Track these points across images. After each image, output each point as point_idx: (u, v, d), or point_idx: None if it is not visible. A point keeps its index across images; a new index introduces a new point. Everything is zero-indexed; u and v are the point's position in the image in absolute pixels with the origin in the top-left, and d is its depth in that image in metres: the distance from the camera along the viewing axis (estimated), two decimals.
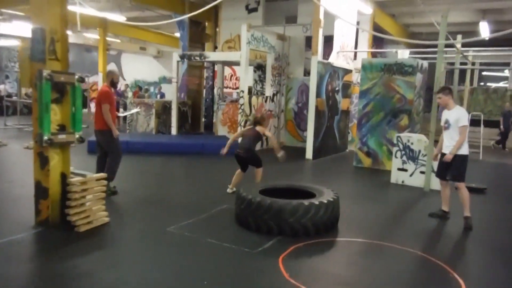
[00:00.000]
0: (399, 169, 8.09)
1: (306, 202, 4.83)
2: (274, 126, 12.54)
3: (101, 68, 18.95)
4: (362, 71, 9.71)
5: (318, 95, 10.34)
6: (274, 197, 4.99)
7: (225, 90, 16.09)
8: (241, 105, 11.08)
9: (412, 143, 7.95)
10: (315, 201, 4.87)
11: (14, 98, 19.01)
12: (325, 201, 4.89)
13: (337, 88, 11.33)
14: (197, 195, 6.64)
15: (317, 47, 10.10)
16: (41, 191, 4.62)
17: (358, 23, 13.10)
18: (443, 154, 5.67)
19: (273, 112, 12.40)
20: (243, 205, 4.97)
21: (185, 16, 11.10)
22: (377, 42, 14.96)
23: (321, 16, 10.01)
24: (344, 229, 5.18)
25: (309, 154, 10.43)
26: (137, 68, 25.09)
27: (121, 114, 15.01)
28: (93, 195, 4.79)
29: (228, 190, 6.63)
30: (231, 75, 18.65)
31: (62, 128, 4.64)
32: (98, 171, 6.08)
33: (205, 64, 15.31)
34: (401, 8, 14.51)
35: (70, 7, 13.05)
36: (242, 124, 11.05)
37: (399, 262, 4.33)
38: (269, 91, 12.21)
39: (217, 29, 15.26)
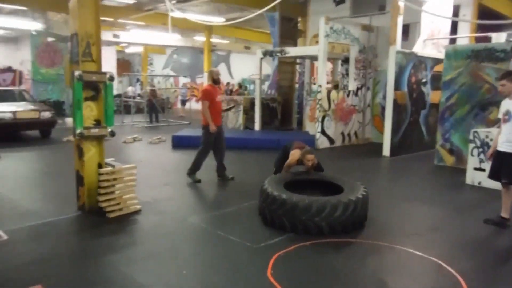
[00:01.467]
0: (475, 169, 7.11)
1: (322, 199, 4.60)
2: (358, 121, 11.99)
3: (206, 68, 20.16)
4: (445, 59, 8.74)
5: (397, 87, 9.60)
6: (300, 191, 4.91)
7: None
8: (319, 100, 10.83)
9: (491, 139, 6.91)
10: (334, 199, 4.61)
11: (138, 98, 21.30)
12: (346, 200, 4.59)
13: (423, 80, 10.35)
14: (241, 188, 6.74)
15: (395, 36, 9.37)
16: (79, 179, 5.21)
17: (458, 7, 11.81)
18: (499, 152, 4.87)
19: (356, 107, 11.86)
20: (262, 199, 4.94)
21: (259, 12, 11.13)
22: (485, 26, 13.20)
23: (401, 2, 9.25)
24: (370, 231, 4.78)
25: (386, 151, 9.76)
26: (244, 67, 26.06)
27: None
28: (124, 184, 5.23)
29: None
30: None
31: (98, 123, 5.16)
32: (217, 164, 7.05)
33: (298, 60, 15.28)
34: None
35: (172, 14, 14.25)
36: (320, 120, 10.81)
37: (410, 270, 3.87)
38: (352, 85, 11.71)
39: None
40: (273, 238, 4.46)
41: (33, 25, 16.54)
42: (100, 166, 5.22)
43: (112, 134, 5.18)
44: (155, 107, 17.71)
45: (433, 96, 10.66)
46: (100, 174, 5.10)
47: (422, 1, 10.10)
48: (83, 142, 5.08)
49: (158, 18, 17.14)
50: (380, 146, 10.14)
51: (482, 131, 7.13)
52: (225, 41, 23.75)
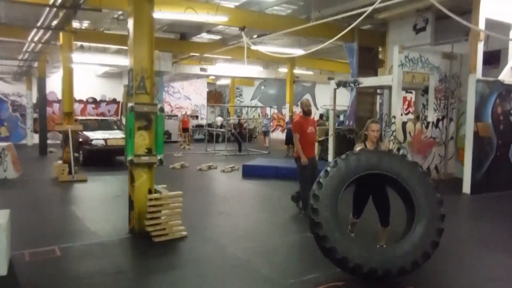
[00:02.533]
0: None
1: (386, 261, 3.89)
2: (439, 155, 11.14)
3: (288, 99, 20.43)
4: None
5: (479, 119, 8.80)
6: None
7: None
8: (393, 131, 10.34)
9: None
10: (400, 252, 3.93)
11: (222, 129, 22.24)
12: (415, 252, 3.91)
13: None
14: (296, 220, 6.62)
15: (475, 64, 8.67)
16: (130, 204, 5.56)
17: None
18: None
19: (437, 140, 11.06)
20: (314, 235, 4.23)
21: (329, 42, 11.07)
22: None
23: (482, 26, 8.58)
24: (420, 276, 4.30)
25: (466, 187, 8.90)
26: (329, 98, 25.86)
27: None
28: (170, 211, 5.45)
29: None
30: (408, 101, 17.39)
31: (149, 151, 5.50)
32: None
33: (378, 90, 14.81)
34: None
35: (255, 47, 14.84)
36: (394, 151, 10.27)
37: None
38: (431, 116, 10.99)
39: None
40: (306, 275, 4.29)
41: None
42: (150, 192, 5.52)
43: (161, 162, 5.46)
44: (241, 137, 18.48)
45: None
46: (148, 200, 5.37)
47: (511, 25, 9.29)
48: (135, 169, 5.44)
49: (241, 51, 17.94)
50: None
51: None
52: (309, 73, 23.93)
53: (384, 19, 13.52)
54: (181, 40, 16.89)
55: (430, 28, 12.22)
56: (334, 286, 4.05)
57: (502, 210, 7.74)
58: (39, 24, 8.77)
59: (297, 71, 22.35)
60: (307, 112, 6.91)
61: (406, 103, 17.26)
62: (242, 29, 12.84)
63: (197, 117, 26.47)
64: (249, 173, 11.09)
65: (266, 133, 20.73)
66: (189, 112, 26.09)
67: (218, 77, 27.29)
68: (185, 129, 21.00)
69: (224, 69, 20.37)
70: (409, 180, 4.19)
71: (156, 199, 5.38)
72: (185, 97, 26.72)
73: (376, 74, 14.91)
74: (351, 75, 14.41)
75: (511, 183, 9.37)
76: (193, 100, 26.92)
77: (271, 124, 28.35)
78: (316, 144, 13.72)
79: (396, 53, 10.19)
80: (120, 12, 12.55)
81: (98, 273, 4.34)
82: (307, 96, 27.21)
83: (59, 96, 15.85)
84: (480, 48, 8.69)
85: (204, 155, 16.79)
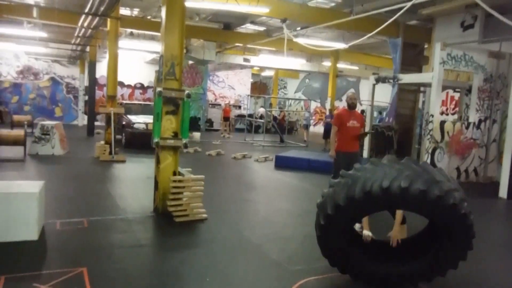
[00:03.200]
0: None
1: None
2: (480, 157, 10.75)
3: (330, 93, 20.27)
4: None
5: None
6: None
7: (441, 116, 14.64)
8: (430, 130, 10.09)
9: None
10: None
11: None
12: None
13: None
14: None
15: None
16: (156, 184, 5.86)
17: None
18: None
19: (478, 141, 10.67)
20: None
21: (368, 35, 10.88)
22: None
23: None
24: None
25: (503, 191, 8.59)
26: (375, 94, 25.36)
27: None
28: (191, 193, 5.70)
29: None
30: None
31: (175, 135, 5.76)
32: None
33: (421, 88, 14.41)
34: None
35: (298, 39, 14.87)
36: (430, 151, 10.05)
37: None
38: (473, 117, 10.61)
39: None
40: (313, 264, 4.38)
41: None
42: (174, 174, 5.80)
43: (185, 146, 5.71)
44: (281, 128, 18.65)
45: None
46: (171, 181, 5.65)
47: None
48: (161, 151, 5.72)
49: (284, 43, 17.98)
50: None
51: None
52: (354, 68, 23.55)
53: (430, 15, 13.09)
54: (226, 30, 17.17)
55: (478, 25, 11.67)
56: (337, 275, 4.12)
57: None
58: (86, 10, 9.28)
59: (341, 65, 22.08)
60: (351, 106, 6.59)
61: (454, 102, 16.65)
62: (283, 20, 12.91)
63: (239, 107, 26.82)
64: (282, 164, 11.23)
65: (306, 127, 20.73)
66: (232, 102, 26.48)
67: (262, 69, 27.45)
68: (226, 118, 21.38)
69: (267, 61, 20.48)
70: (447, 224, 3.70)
71: (179, 181, 5.65)
72: (229, 86, 27.10)
73: (420, 71, 14.47)
74: (394, 71, 14.08)
75: None
76: (237, 90, 27.26)
77: (313, 117, 28.24)
78: None
79: (438, 50, 9.92)
80: None
81: (118, 245, 4.66)
82: (351, 91, 26.84)
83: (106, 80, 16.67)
84: None
85: (242, 144, 17.05)
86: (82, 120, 21.08)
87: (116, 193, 7.07)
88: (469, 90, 11.60)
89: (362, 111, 21.68)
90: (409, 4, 8.05)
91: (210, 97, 25.65)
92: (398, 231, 4.16)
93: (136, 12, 14.96)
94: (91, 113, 16.45)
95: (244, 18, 15.95)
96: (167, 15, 5.59)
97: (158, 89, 5.53)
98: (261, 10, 12.05)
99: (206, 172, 6.43)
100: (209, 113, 24.13)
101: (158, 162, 5.80)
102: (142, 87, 24.04)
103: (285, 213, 6.67)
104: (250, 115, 22.11)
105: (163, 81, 5.64)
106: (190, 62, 20.69)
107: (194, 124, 21.47)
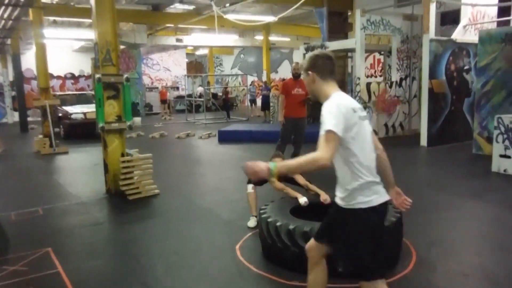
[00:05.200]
0: (501, 156, 6.87)
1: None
2: (404, 112, 11.80)
3: (265, 66, 20.79)
4: (479, 44, 8.43)
5: (433, 76, 9.39)
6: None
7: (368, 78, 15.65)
8: (358, 92, 10.91)
9: None
10: None
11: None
12: None
13: (466, 67, 9.96)
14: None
15: (428, 24, 9.19)
16: (105, 167, 6.09)
17: None
18: None
19: (401, 98, 11.69)
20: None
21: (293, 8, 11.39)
22: None
23: None
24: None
25: (423, 140, 9.59)
26: None
27: None
28: (141, 171, 6.00)
29: None
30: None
31: (119, 118, 5.98)
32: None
33: (349, 54, 15.26)
34: None
35: (228, 16, 15.07)
36: None
37: None
38: (395, 76, 11.57)
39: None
40: None
41: None
42: (123, 155, 6.04)
43: (130, 127, 5.97)
44: (227, 105, 18.95)
45: None
46: (121, 163, 5.91)
47: None
48: (107, 135, 5.94)
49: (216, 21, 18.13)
50: None
51: (506, 117, 6.86)
52: (286, 39, 24.17)
53: None
54: (155, 11, 17.00)
55: None
56: None
57: (450, 159, 8.46)
58: (6, 1, 8.97)
59: (273, 38, 22.58)
60: (295, 75, 6.97)
61: (381, 65, 17.72)
62: None
63: (177, 88, 26.71)
64: (225, 138, 11.64)
65: (253, 101, 21.00)
66: (169, 84, 26.29)
67: (196, 47, 27.40)
68: (163, 101, 21.24)
69: (200, 39, 20.54)
70: None
71: (128, 161, 5.92)
72: (165, 68, 26.83)
73: (346, 38, 15.32)
74: (322, 39, 14.79)
75: (466, 134, 10.04)
76: (173, 72, 27.06)
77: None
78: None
79: (358, 17, 10.63)
80: None
81: (77, 226, 4.92)
82: (286, 62, 27.57)
83: (36, 73, 16.03)
84: (433, 8, 9.20)
85: (184, 124, 17.24)
86: (11, 117, 20.09)
87: (66, 182, 7.18)
88: (390, 52, 12.56)
89: (283, 79, 22.47)
90: None
91: (146, 81, 25.30)
92: (320, 191, 4.22)
93: None
94: (22, 109, 15.82)
95: None
96: (97, 1, 5.71)
97: (97, 75, 5.70)
98: None
99: (153, 152, 6.69)
100: (147, 98, 23.87)
101: (105, 146, 6.01)
102: (73, 77, 23.25)
103: (232, 180, 7.14)
104: (190, 95, 22.18)
105: (100, 67, 5.80)
106: (122, 46, 20.21)
107: (133, 110, 21.13)
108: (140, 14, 16.69)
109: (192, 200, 5.80)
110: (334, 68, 2.40)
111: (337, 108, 2.16)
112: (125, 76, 5.86)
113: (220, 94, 25.20)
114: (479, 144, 8.57)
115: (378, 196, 2.27)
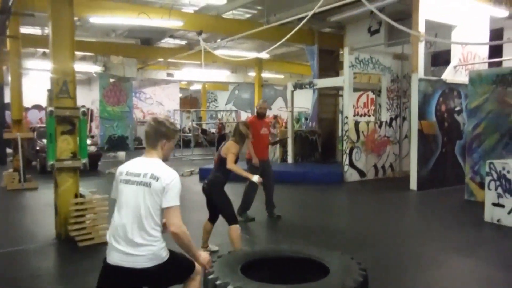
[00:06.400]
0: (494, 204, 6.32)
1: None
2: (394, 153, 11.31)
3: (256, 102, 20.47)
4: (469, 85, 8.06)
5: (423, 116, 8.97)
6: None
7: (361, 117, 15.30)
8: (346, 131, 10.46)
9: (508, 172, 6.14)
10: None
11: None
12: None
13: (457, 108, 9.56)
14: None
15: (417, 63, 8.85)
16: (56, 209, 5.51)
17: (502, 29, 10.91)
18: None
19: (391, 138, 11.23)
20: None
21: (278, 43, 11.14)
22: None
23: (421, 29, 8.76)
24: None
25: (413, 184, 9.05)
26: (300, 100, 26.06)
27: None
28: (95, 214, 5.42)
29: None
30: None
31: (74, 155, 5.46)
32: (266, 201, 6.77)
33: (340, 92, 14.97)
34: None
35: (219, 51, 14.85)
36: (347, 151, 10.40)
37: None
38: (385, 116, 11.17)
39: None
40: None
41: (94, 68, 18.15)
42: (76, 196, 5.48)
43: (85, 166, 5.43)
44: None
45: None
46: (72, 205, 5.34)
47: (452, 26, 9.51)
48: (59, 174, 5.40)
49: (208, 56, 17.99)
50: None
51: (499, 162, 6.36)
52: (280, 76, 24.05)
53: (340, 22, 13.72)
54: (146, 45, 16.85)
55: (383, 30, 12.42)
56: None
57: (440, 205, 7.90)
58: None
59: (266, 75, 22.47)
60: (260, 114, 6.73)
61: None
62: (199, 33, 12.92)
63: None
64: (207, 176, 11.04)
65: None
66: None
67: (190, 82, 27.27)
68: None
69: (191, 74, 20.35)
70: None
71: (80, 203, 5.35)
72: (158, 103, 26.58)
73: (337, 76, 15.07)
74: (312, 77, 14.57)
75: (457, 178, 9.48)
76: (166, 106, 26.76)
77: None
78: (278, 146, 13.88)
79: (346, 54, 10.34)
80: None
81: (10, 280, 4.28)
82: (280, 99, 27.40)
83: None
84: (421, 47, 8.88)
85: (171, 160, 16.57)
86: None
87: (18, 223, 6.59)
88: (380, 91, 12.23)
89: (275, 116, 22.19)
90: (311, 12, 8.36)
91: (138, 115, 25.01)
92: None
93: (38, 30, 14.22)
94: (0, 140, 15.29)
95: (162, 32, 15.73)
96: (54, 30, 5.31)
97: (49, 108, 5.22)
98: (175, 23, 11.95)
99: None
100: (138, 131, 23.46)
101: (56, 185, 5.46)
102: None
103: (200, 224, 6.55)
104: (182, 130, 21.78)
105: (55, 99, 5.33)
106: (112, 80, 20.01)
107: (122, 143, 20.79)
108: (129, 48, 16.54)
109: None
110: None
111: None
112: (82, 109, 5.38)
113: (209, 129, 24.85)
114: (471, 190, 8.03)
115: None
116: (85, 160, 5.46)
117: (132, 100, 23.31)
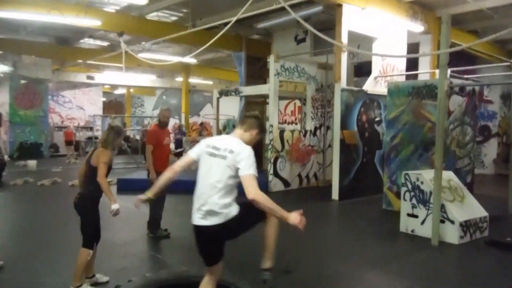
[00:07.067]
0: (408, 215, 6.42)
1: None
2: (318, 162, 11.37)
3: (184, 109, 19.96)
4: (388, 96, 8.24)
5: (345, 126, 9.06)
6: None
7: (281, 125, 15.33)
8: (271, 140, 10.31)
9: (422, 182, 6.27)
10: None
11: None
12: None
13: (377, 119, 9.80)
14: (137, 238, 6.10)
15: (339, 73, 8.93)
16: None
17: (418, 44, 11.42)
18: None
19: (315, 148, 11.28)
20: None
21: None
22: (463, 61, 12.62)
23: (344, 40, 8.86)
24: None
25: (335, 194, 9.09)
26: (229, 107, 25.85)
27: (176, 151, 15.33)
28: None
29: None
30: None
31: None
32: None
33: (267, 100, 14.90)
34: (482, 23, 12.21)
35: (142, 55, 14.12)
36: (272, 160, 10.24)
37: None
38: (309, 125, 11.20)
39: None
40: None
41: (2, 68, 16.54)
42: None
43: None
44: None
45: None
46: None
47: (373, 38, 9.75)
48: None
49: (132, 59, 17.15)
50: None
51: (413, 174, 6.48)
52: (209, 82, 23.69)
53: (268, 29, 13.70)
54: (62, 45, 15.67)
55: (309, 39, 12.56)
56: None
57: (360, 215, 7.96)
58: None
59: (195, 80, 22.00)
60: (162, 123, 6.17)
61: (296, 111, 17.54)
62: (120, 34, 12.19)
63: (91, 128, 24.82)
64: (125, 187, 10.34)
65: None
66: (82, 123, 24.37)
67: (114, 86, 25.99)
68: (68, 142, 19.09)
69: (114, 77, 19.34)
70: None
71: None
72: (78, 107, 24.92)
73: (265, 83, 15.01)
74: (240, 84, 14.33)
75: (377, 188, 9.69)
76: (87, 110, 25.18)
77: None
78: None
79: (272, 62, 10.24)
80: None
81: None
82: (208, 106, 26.97)
83: None
84: (344, 58, 8.98)
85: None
86: None
87: None
88: (305, 100, 12.29)
89: (201, 123, 21.82)
90: (235, 18, 8.13)
91: (56, 119, 23.26)
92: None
93: None
94: None
95: (81, 32, 14.72)
96: None
97: None
98: (92, 22, 11.14)
99: (28, 205, 5.34)
100: (55, 138, 21.75)
101: None
102: None
103: (108, 243, 5.96)
104: (97, 137, 20.53)
105: None
106: (23, 81, 18.35)
107: (36, 151, 19.09)
108: (44, 47, 15.29)
109: (40, 279, 4.52)
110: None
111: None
112: None
113: (133, 136, 23.78)
114: (389, 199, 8.19)
115: None
116: None
117: (48, 103, 21.59)
